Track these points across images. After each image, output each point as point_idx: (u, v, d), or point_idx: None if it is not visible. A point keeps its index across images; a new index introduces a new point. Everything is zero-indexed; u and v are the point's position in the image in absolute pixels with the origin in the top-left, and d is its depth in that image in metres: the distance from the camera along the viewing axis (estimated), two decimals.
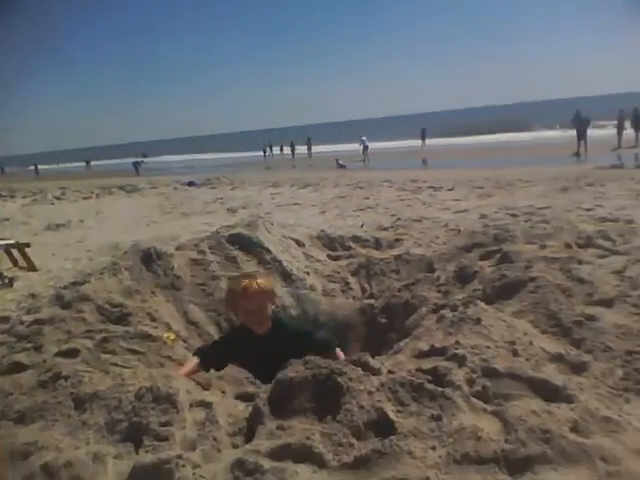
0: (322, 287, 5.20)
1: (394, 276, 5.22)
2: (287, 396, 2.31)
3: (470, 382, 2.35)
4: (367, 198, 11.36)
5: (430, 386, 2.25)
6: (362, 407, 2.17)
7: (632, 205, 7.20)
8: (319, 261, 5.63)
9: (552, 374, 2.40)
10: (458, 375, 2.34)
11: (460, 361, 2.46)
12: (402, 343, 3.18)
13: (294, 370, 2.38)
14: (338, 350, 3.41)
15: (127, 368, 3.05)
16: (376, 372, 2.49)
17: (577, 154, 26.83)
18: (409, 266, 5.30)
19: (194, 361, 3.18)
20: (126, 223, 10.59)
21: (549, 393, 2.30)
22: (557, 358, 2.58)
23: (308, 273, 5.29)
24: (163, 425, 2.26)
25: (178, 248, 5.21)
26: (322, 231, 6.47)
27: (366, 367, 2.54)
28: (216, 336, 4.49)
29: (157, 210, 12.75)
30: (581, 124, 27.80)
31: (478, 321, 2.74)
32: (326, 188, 16.10)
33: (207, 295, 4.72)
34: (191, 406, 2.45)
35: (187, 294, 4.66)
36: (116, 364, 3.09)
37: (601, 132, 35.40)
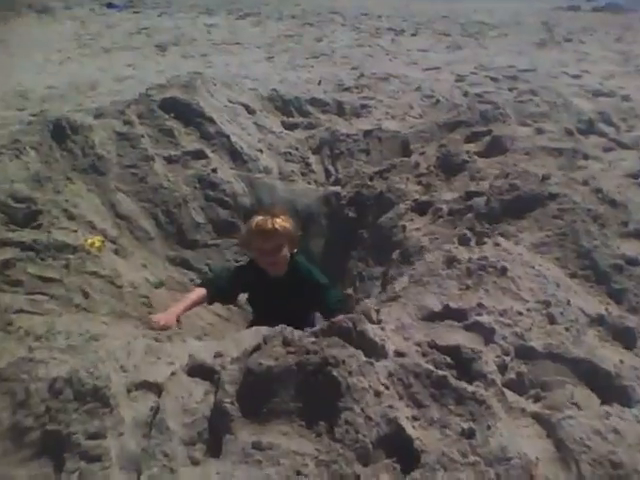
0: (278, 169, 4.45)
1: (363, 158, 4.52)
2: (264, 392, 1.73)
3: (502, 369, 1.84)
4: (320, 40, 10.07)
5: (455, 382, 1.72)
6: (369, 418, 1.63)
7: (620, 73, 6.56)
8: (273, 133, 4.79)
9: (598, 353, 1.92)
10: (488, 361, 1.82)
11: (488, 336, 1.93)
12: (399, 284, 2.60)
13: (271, 355, 1.78)
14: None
15: (38, 315, 2.34)
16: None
17: None
18: (381, 146, 4.59)
19: (199, 292, 2.85)
20: (36, 59, 8.95)
21: (599, 381, 1.84)
22: (597, 321, 2.09)
23: (261, 151, 4.49)
24: (92, 437, 1.65)
25: (98, 116, 4.22)
26: (274, 91, 5.52)
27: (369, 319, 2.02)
28: (153, 233, 3.78)
29: (72, 42, 10.91)
30: None
31: (503, 271, 2.18)
32: (269, 21, 14.34)
33: (139, 180, 3.90)
34: (130, 392, 1.84)
35: (114, 180, 3.82)
36: (21, 310, 2.35)
37: None
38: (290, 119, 5.24)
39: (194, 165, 4.13)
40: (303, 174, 4.49)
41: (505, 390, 1.78)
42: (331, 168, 4.54)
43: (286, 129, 5.00)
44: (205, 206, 4.03)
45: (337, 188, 4.31)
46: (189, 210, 3.94)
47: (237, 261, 4.05)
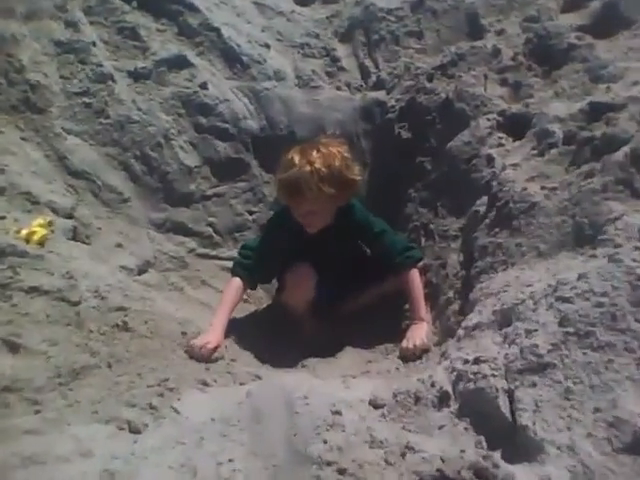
0: (294, 70, 3.20)
1: (415, 44, 3.22)
2: None
3: None
4: None
5: None
6: None
7: None
8: (282, 14, 3.46)
9: None
10: None
11: None
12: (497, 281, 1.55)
13: None
14: (414, 271, 2.39)
15: None
16: None
17: None
18: (438, 23, 3.25)
19: (234, 287, 2.32)
20: None
21: None
22: None
23: (267, 46, 3.22)
24: None
25: (26, 19, 2.93)
26: None
27: None
28: (127, 192, 2.71)
29: None
30: None
31: None
32: None
33: (96, 115, 2.74)
34: None
35: (58, 118, 2.67)
36: None
37: None
38: None
39: (173, 80, 2.93)
40: (329, 75, 3.25)
41: None
42: (369, 63, 3.27)
43: (298, 4, 3.64)
44: (196, 141, 2.93)
45: (381, 94, 3.10)
46: (174, 150, 2.84)
47: (251, 213, 3.00)
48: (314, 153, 2.17)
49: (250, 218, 2.97)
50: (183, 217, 2.83)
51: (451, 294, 2.36)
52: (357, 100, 3.11)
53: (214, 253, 2.87)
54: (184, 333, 2.18)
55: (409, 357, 2.14)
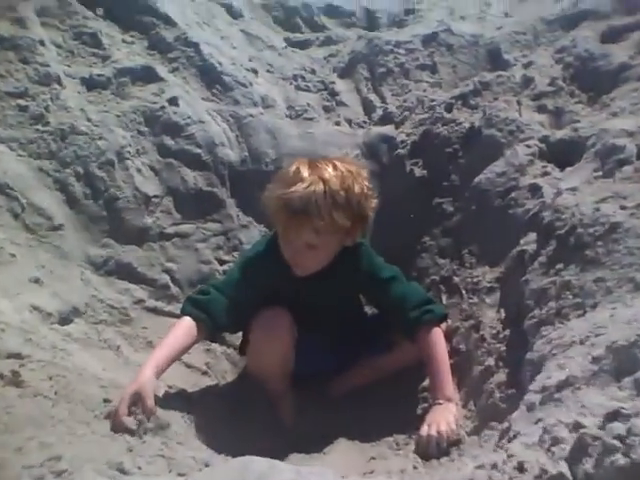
0: (286, 101, 2.73)
1: (428, 77, 2.80)
2: None
3: None
4: None
5: None
6: None
7: None
8: (273, 48, 3.06)
9: None
10: None
11: None
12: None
13: None
14: (436, 331, 1.79)
15: None
16: None
17: None
18: (454, 58, 2.86)
19: (185, 329, 1.69)
20: None
21: None
22: None
23: (255, 71, 2.78)
24: None
25: None
26: None
27: None
28: (61, 217, 2.11)
29: None
30: None
31: None
32: None
33: (34, 120, 2.20)
34: None
35: None
36: None
37: None
38: (297, 35, 3.48)
39: (138, 93, 2.43)
40: (327, 109, 2.78)
41: None
42: (373, 97, 2.81)
43: (292, 46, 3.26)
44: (159, 165, 2.37)
45: (388, 129, 2.61)
46: (128, 172, 2.27)
47: (222, 262, 2.39)
48: (329, 169, 1.69)
49: (220, 269, 2.35)
50: (132, 258, 2.20)
51: (491, 362, 1.73)
52: (359, 135, 2.62)
53: (168, 309, 2.22)
54: (107, 401, 1.51)
55: (431, 451, 1.55)
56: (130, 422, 1.39)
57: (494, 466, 1.04)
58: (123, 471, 1.17)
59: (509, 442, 1.15)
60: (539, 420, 1.12)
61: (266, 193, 1.77)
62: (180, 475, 1.22)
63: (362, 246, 1.90)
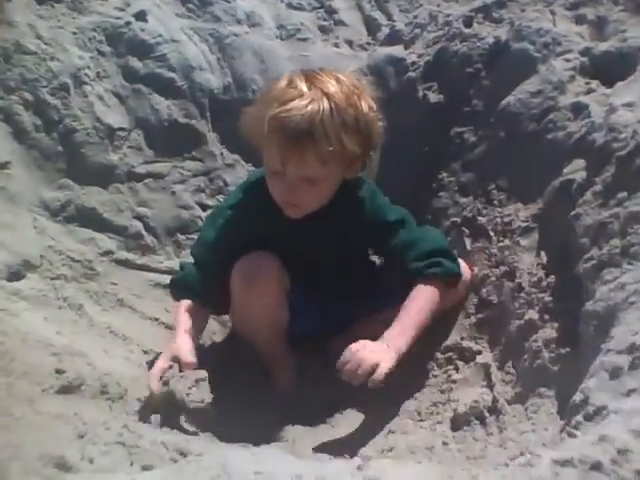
0: (275, 20, 2.37)
1: None
2: None
3: None
4: None
5: None
6: None
7: None
8: None
9: None
10: None
11: None
12: None
13: None
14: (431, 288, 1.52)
15: None
16: None
17: None
18: None
19: (187, 310, 1.54)
20: None
21: None
22: None
23: None
24: None
25: None
26: None
27: None
28: (6, 153, 1.80)
29: None
30: None
31: None
32: None
33: None
34: None
35: None
36: None
37: None
38: None
39: (98, 7, 2.06)
40: (323, 30, 2.41)
41: None
42: (378, 15, 2.44)
43: None
44: (125, 91, 2.03)
45: (396, 49, 2.26)
46: (88, 99, 1.93)
47: (204, 207, 2.08)
48: (333, 82, 1.41)
49: (202, 215, 2.04)
50: (95, 202, 1.89)
51: (534, 315, 1.44)
52: (363, 58, 2.27)
53: (142, 261, 1.92)
54: (60, 372, 1.23)
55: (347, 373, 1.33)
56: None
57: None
58: (65, 466, 0.89)
59: (589, 420, 0.86)
60: (632, 391, 0.83)
61: (247, 116, 1.47)
62: (144, 469, 0.94)
63: (365, 184, 1.62)
